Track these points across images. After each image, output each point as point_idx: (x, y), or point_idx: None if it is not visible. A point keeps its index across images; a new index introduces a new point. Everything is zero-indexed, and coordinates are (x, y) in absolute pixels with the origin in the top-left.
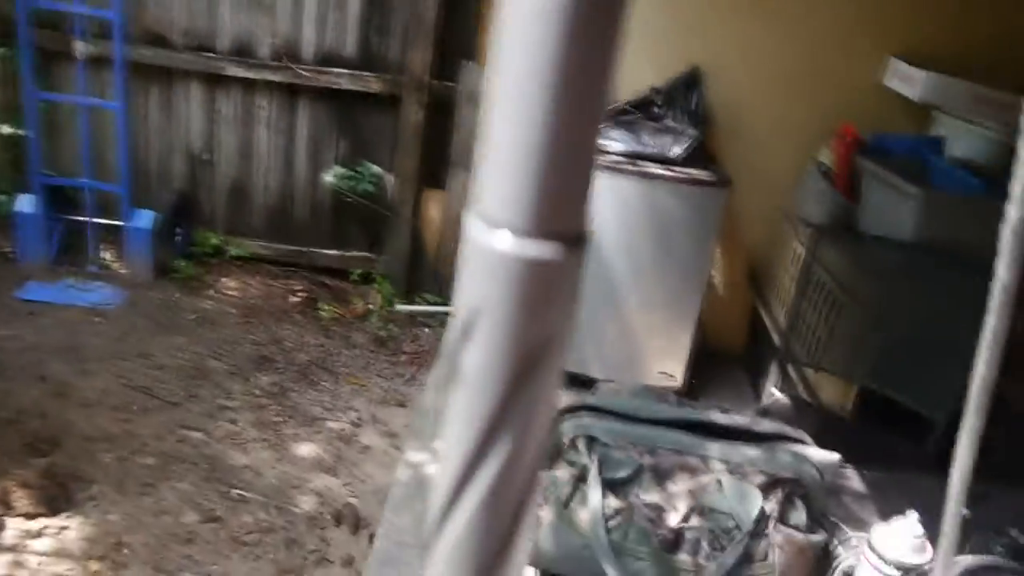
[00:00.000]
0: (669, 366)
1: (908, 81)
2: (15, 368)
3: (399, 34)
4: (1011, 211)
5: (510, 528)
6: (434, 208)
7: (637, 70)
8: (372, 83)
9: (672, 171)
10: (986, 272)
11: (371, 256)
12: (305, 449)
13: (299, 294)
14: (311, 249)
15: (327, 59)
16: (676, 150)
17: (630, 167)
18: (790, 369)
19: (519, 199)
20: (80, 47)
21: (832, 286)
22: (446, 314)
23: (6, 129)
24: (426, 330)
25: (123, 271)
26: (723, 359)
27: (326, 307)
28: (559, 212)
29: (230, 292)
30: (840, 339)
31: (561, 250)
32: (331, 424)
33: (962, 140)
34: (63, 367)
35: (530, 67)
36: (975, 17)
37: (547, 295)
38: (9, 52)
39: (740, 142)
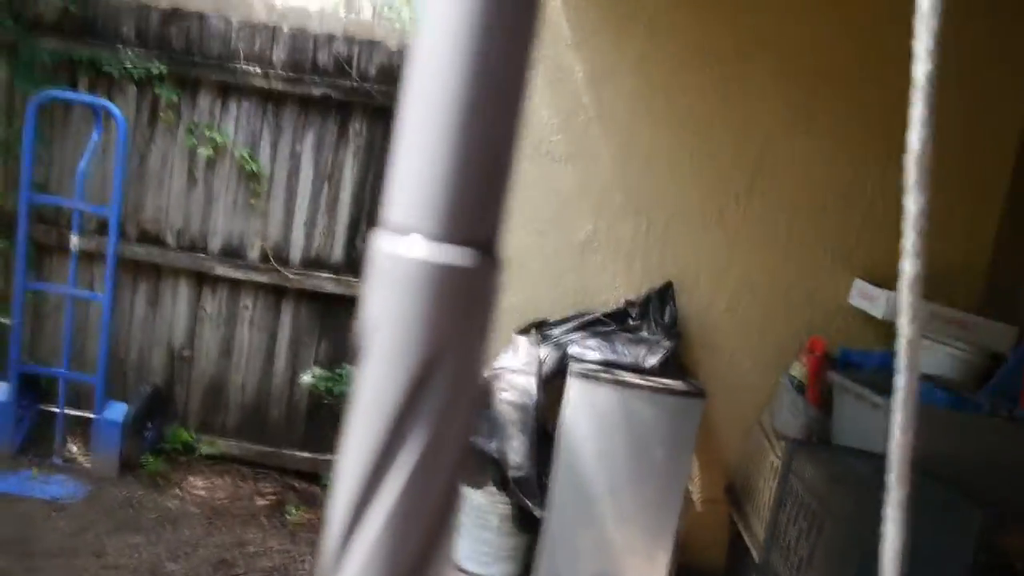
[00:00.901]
0: None
1: (872, 300)
2: None
3: None
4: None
5: (423, 544)
6: None
7: (613, 282)
8: (356, 287)
9: (647, 380)
10: (956, 484)
11: None
12: None
13: (268, 496)
14: (284, 451)
15: (314, 263)
16: (651, 360)
17: (606, 375)
18: None
19: (430, 205)
20: (75, 241)
21: (809, 500)
22: None
23: None
24: None
25: (88, 464)
26: None
27: (294, 511)
28: (470, 219)
29: (196, 491)
30: (820, 555)
31: (472, 256)
32: None
33: (927, 356)
34: (9, 562)
35: (443, 70)
36: (932, 242)
37: (456, 300)
38: (5, 244)
39: (713, 354)
